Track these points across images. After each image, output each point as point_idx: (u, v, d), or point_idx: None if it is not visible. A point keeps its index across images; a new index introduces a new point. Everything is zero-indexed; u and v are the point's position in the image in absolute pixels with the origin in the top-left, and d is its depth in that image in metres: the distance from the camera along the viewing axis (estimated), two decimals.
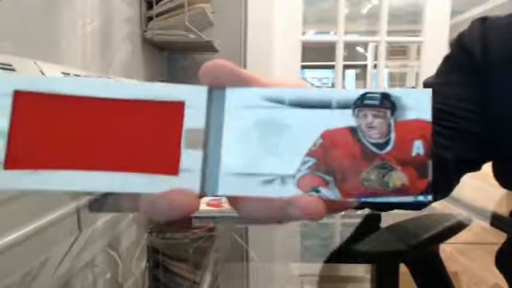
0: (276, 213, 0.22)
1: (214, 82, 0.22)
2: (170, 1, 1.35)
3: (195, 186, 0.21)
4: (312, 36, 4.00)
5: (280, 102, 0.22)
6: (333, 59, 1.92)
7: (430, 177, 0.21)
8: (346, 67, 5.76)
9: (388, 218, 0.80)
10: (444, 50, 1.80)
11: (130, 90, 0.22)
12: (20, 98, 0.21)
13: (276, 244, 0.84)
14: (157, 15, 1.37)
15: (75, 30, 0.92)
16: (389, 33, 1.87)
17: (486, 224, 0.82)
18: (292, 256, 0.79)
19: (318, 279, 0.72)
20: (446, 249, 0.77)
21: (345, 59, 2.01)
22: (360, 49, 5.97)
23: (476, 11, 3.50)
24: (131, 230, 0.85)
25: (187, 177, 0.21)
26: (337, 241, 0.87)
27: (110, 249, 0.75)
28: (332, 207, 0.22)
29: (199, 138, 0.22)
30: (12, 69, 0.59)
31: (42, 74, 0.67)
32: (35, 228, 0.64)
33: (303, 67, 1.94)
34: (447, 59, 0.53)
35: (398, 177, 0.21)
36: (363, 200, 0.21)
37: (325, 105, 0.22)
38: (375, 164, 0.21)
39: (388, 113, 0.21)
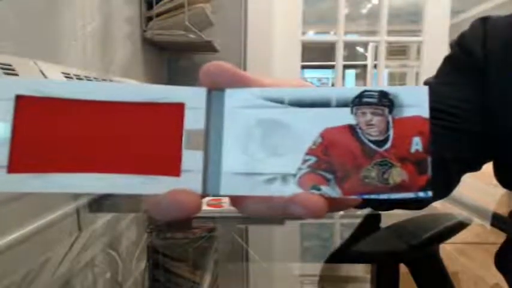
0: (278, 212, 0.22)
1: (214, 84, 0.22)
2: (170, 1, 1.35)
3: (197, 187, 0.22)
4: (312, 36, 4.00)
5: (279, 101, 0.22)
6: (333, 59, 1.92)
7: (429, 173, 0.21)
8: (346, 67, 5.76)
9: (388, 218, 0.80)
10: (444, 50, 1.80)
11: (130, 93, 0.22)
12: (22, 103, 0.21)
13: (276, 244, 0.84)
14: (157, 15, 1.37)
15: (75, 30, 0.92)
16: (389, 33, 1.87)
17: (486, 224, 0.82)
18: (292, 256, 0.79)
19: (319, 279, 0.71)
20: (446, 249, 0.77)
21: (345, 59, 2.01)
22: (360, 49, 5.97)
23: (477, 11, 3.50)
24: (131, 230, 0.85)
25: (189, 177, 0.22)
26: (337, 241, 0.87)
27: (110, 249, 0.75)
28: (333, 205, 0.22)
29: (200, 139, 0.22)
30: (12, 69, 0.59)
31: (42, 74, 0.67)
32: (35, 228, 0.64)
33: (303, 67, 1.94)
34: (448, 59, 0.53)
35: (398, 174, 0.21)
36: (364, 197, 0.21)
37: (324, 104, 0.22)
38: (374, 161, 0.21)
39: (386, 110, 0.22)
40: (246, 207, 0.23)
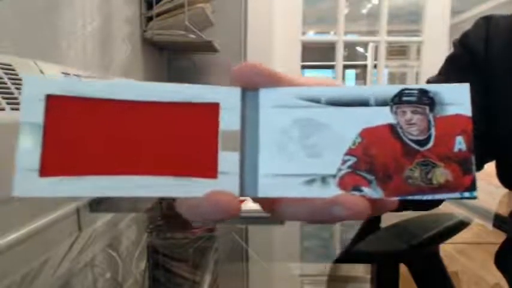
0: (318, 215, 0.21)
1: (249, 84, 0.22)
2: (170, 1, 1.35)
3: (235, 189, 0.21)
4: (312, 36, 4.00)
5: (316, 101, 0.22)
6: (333, 59, 1.92)
7: (474, 172, 0.21)
8: (346, 67, 5.76)
9: (388, 218, 0.80)
10: (444, 50, 1.80)
11: (164, 93, 0.21)
12: (53, 103, 0.20)
13: (276, 244, 0.84)
14: (157, 15, 1.37)
15: (75, 30, 0.92)
16: (389, 33, 1.87)
17: (486, 224, 0.82)
18: (292, 256, 0.79)
19: (327, 278, 0.71)
20: (446, 249, 0.77)
21: (345, 59, 2.01)
22: (360, 49, 5.97)
23: (477, 11, 3.50)
24: (131, 230, 0.85)
25: (226, 180, 0.21)
26: (337, 241, 0.87)
27: (110, 249, 0.75)
28: (373, 207, 0.21)
29: (236, 140, 0.21)
30: (12, 69, 0.59)
31: (42, 74, 0.67)
32: (35, 228, 0.64)
33: (303, 67, 1.94)
34: (450, 59, 0.53)
35: (442, 174, 0.21)
36: (408, 198, 0.21)
37: (362, 103, 0.21)
38: (416, 161, 0.21)
39: (427, 109, 0.21)
40: (283, 211, 0.22)
